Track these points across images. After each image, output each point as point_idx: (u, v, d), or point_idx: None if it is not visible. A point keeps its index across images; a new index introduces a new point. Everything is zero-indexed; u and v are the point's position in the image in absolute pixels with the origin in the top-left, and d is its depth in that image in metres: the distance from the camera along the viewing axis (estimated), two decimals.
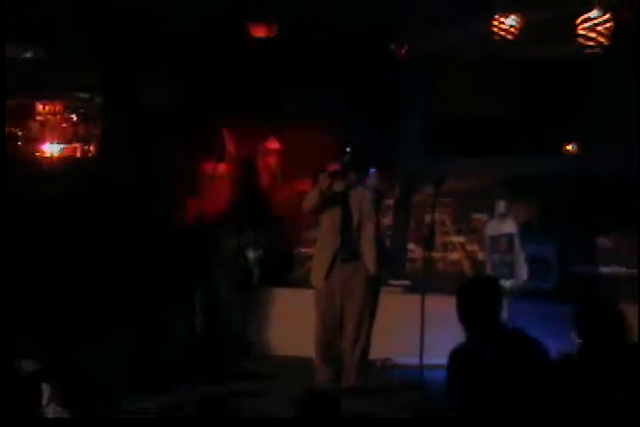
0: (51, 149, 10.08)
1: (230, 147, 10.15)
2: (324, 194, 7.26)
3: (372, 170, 7.80)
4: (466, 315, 5.06)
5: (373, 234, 7.42)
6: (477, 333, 5.01)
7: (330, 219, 7.42)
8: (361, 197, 7.38)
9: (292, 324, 8.61)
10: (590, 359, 5.10)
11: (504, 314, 8.07)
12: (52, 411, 5.24)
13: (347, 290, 7.38)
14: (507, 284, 9.06)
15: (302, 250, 8.31)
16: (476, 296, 5.11)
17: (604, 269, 9.16)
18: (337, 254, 7.35)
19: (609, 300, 5.62)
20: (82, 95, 10.26)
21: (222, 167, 10.11)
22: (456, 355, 4.93)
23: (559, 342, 6.77)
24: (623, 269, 9.11)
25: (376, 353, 8.29)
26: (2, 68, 7.46)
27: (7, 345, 5.83)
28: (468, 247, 9.65)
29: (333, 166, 7.27)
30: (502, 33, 8.27)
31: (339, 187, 7.30)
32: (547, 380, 4.78)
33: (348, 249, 7.36)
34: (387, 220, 9.60)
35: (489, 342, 4.96)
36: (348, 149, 7.35)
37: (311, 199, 7.41)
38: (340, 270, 7.37)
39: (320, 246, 7.60)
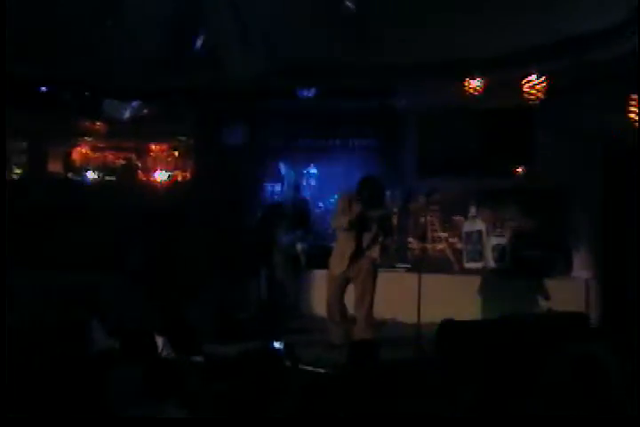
0: (161, 176, 10.23)
1: None
2: (350, 223, 7.11)
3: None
4: None
5: (383, 239, 7.37)
6: None
7: (349, 232, 7.26)
8: (377, 218, 7.21)
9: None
10: None
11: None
12: (166, 355, 5.33)
13: (356, 272, 7.29)
14: (478, 265, 9.15)
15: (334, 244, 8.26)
16: None
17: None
18: (352, 255, 7.21)
19: None
20: (180, 138, 10.38)
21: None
22: None
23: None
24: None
25: (386, 315, 8.39)
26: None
27: None
28: (450, 240, 9.51)
29: (357, 206, 7.11)
30: (471, 90, 8.15)
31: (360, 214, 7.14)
32: None
33: (360, 250, 7.24)
34: (393, 222, 9.65)
35: None
36: (365, 186, 7.17)
37: (340, 223, 7.24)
38: (353, 262, 7.27)
39: (340, 248, 7.38)
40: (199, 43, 7.08)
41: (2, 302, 4.85)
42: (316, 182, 10.12)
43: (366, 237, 7.25)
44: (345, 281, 7.38)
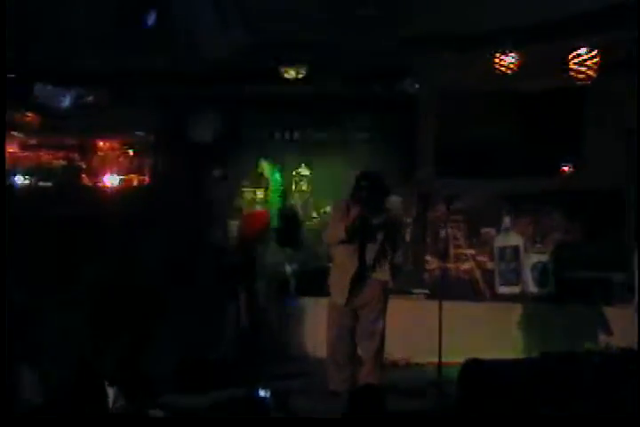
0: (111, 180, 10.19)
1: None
2: (348, 231, 7.03)
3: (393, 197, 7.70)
4: None
5: (392, 255, 7.28)
6: None
7: (348, 245, 7.18)
8: (382, 224, 7.14)
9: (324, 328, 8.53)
10: None
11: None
12: (119, 408, 5.32)
13: (363, 301, 7.24)
14: (514, 289, 9.13)
15: (330, 264, 8.20)
16: None
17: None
18: (355, 277, 7.14)
19: None
20: (137, 133, 10.35)
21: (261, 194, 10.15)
22: None
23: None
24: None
25: (399, 353, 8.36)
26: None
27: None
28: (479, 258, 9.54)
29: (355, 209, 7.05)
30: (503, 69, 8.14)
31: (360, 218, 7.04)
32: None
33: (365, 270, 7.19)
34: (406, 235, 9.63)
35: None
36: (363, 184, 7.07)
37: (335, 234, 7.18)
38: (358, 287, 7.21)
39: (339, 269, 7.34)
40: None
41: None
42: (309, 186, 10.09)
43: (370, 252, 7.17)
44: (352, 312, 7.30)
